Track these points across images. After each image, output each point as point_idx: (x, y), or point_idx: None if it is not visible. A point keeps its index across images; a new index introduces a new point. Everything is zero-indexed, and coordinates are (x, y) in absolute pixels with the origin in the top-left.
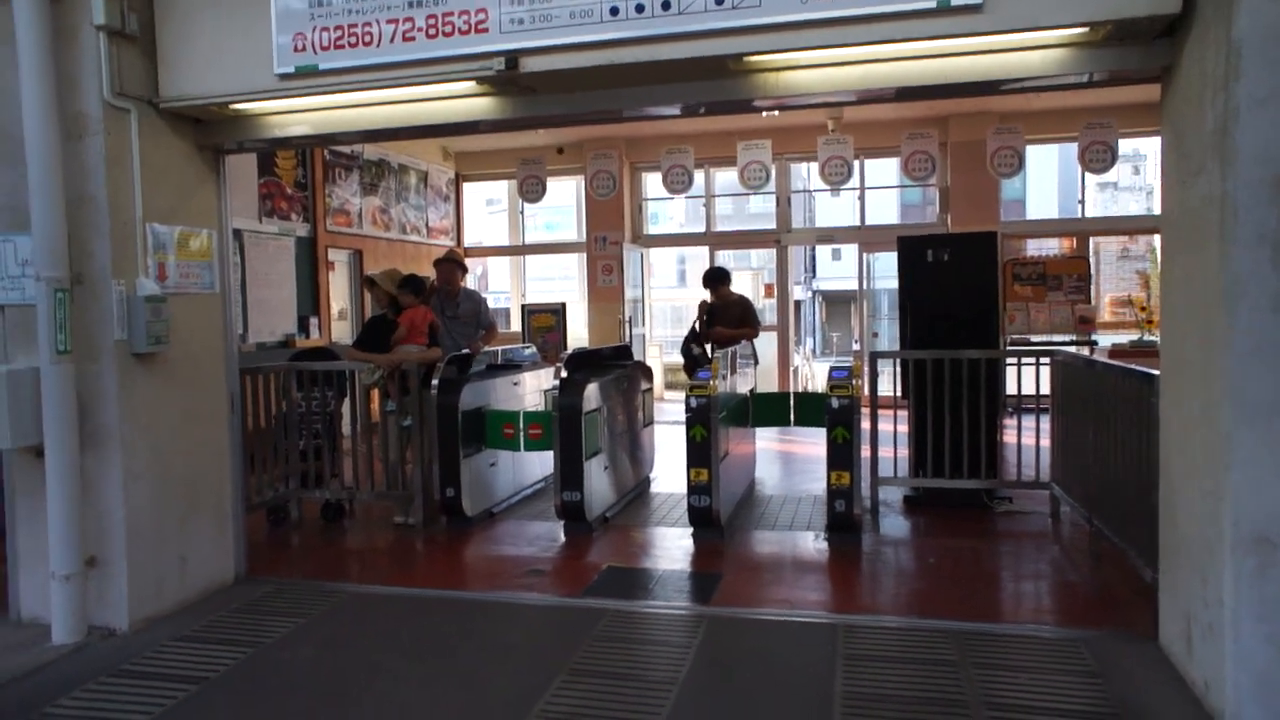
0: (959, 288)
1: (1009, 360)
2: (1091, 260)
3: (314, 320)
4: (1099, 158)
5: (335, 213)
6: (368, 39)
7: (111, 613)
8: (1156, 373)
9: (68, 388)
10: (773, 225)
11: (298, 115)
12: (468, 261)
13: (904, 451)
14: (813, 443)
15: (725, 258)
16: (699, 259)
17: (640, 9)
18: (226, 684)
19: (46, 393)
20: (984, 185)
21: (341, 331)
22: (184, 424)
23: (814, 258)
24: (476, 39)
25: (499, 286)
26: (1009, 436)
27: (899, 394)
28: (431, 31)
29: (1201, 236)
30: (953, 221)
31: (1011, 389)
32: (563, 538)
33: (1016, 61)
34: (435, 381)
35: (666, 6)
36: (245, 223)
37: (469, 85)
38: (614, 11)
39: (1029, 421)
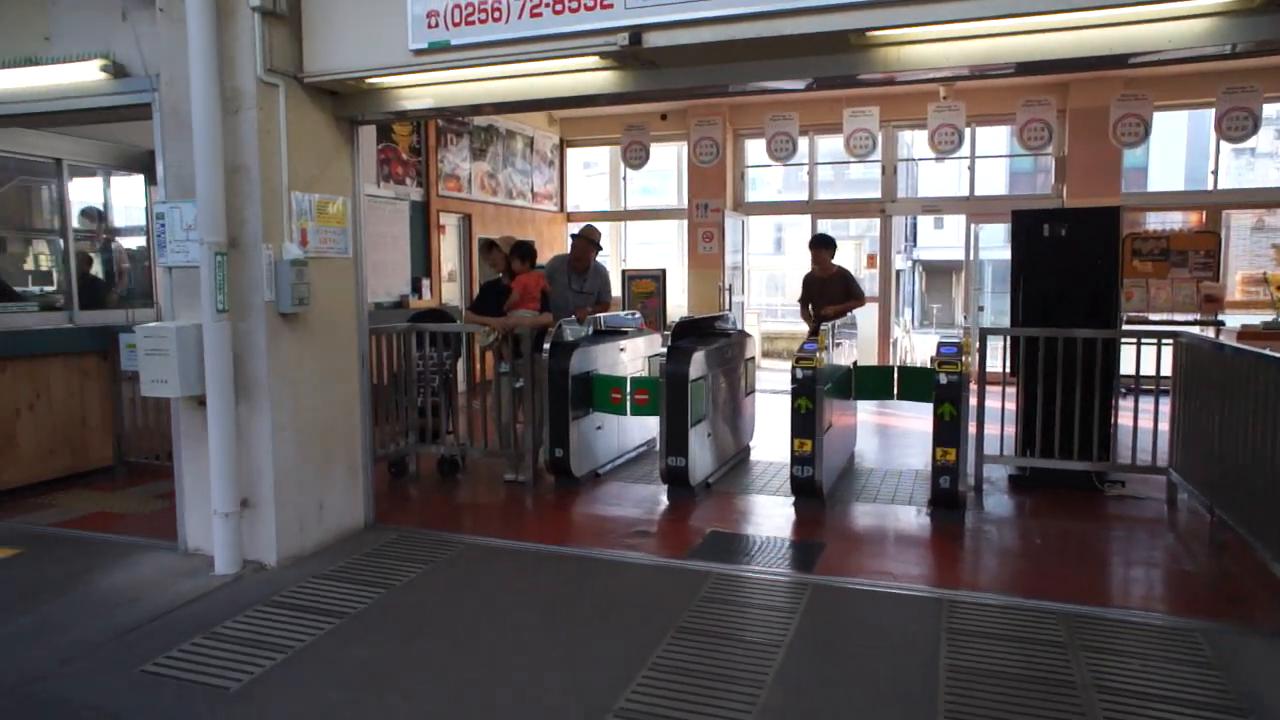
0: (1076, 265)
1: (1126, 340)
2: (1221, 234)
3: (425, 281)
4: (1239, 125)
5: (446, 178)
6: (497, 15)
7: (262, 549)
8: None
9: (226, 343)
10: (875, 194)
11: (426, 89)
12: (571, 225)
13: (1011, 429)
14: (912, 416)
15: (823, 226)
16: (796, 226)
17: None
18: (365, 620)
19: (208, 347)
20: (1105, 155)
21: (451, 293)
22: (321, 380)
23: (915, 226)
24: (602, 14)
25: None
26: (1124, 418)
27: (1007, 371)
28: (558, 7)
29: None
30: (1069, 193)
31: (1128, 369)
32: (666, 501)
33: (1154, 33)
34: (547, 345)
35: None
36: (364, 187)
37: (592, 60)
38: None
39: (1145, 404)
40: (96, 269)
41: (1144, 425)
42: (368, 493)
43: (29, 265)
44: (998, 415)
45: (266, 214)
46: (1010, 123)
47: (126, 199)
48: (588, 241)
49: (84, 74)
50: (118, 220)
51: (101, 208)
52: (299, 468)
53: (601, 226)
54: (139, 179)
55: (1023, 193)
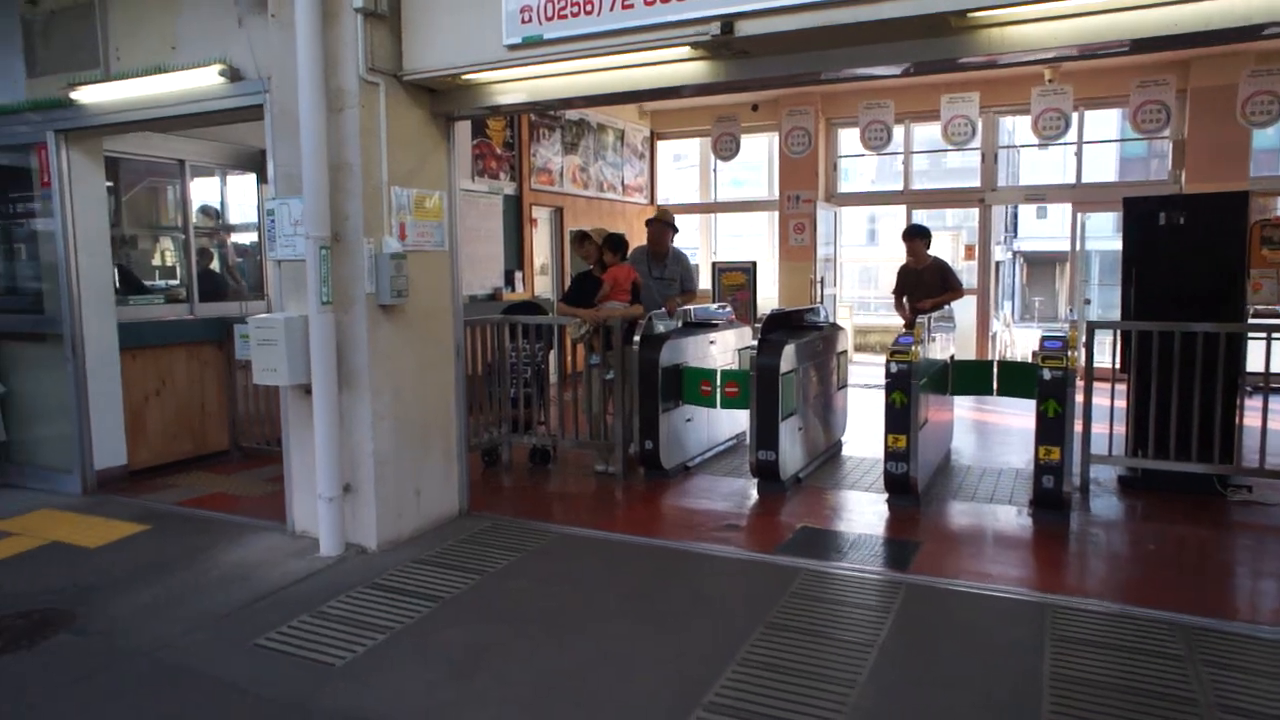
0: (1195, 255)
1: (1255, 335)
2: None
3: (518, 274)
4: None
5: (539, 172)
6: (589, 8)
7: (363, 533)
8: None
9: (330, 334)
10: (974, 182)
11: (520, 83)
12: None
13: (1120, 428)
14: (1012, 413)
15: (919, 216)
16: (891, 217)
17: None
18: (461, 604)
19: (314, 338)
20: (1230, 137)
21: (543, 285)
22: (418, 370)
23: (1016, 216)
24: (693, 4)
25: (684, 242)
26: (1250, 419)
27: (1117, 367)
28: None
29: None
30: (1188, 179)
31: (1256, 366)
32: (756, 495)
33: None
34: (637, 337)
35: None
36: (459, 182)
37: (683, 50)
38: None
39: (1276, 404)
40: (215, 264)
41: (1274, 427)
42: (462, 481)
43: (155, 261)
44: (1106, 414)
45: (367, 209)
46: (1122, 105)
47: (240, 197)
48: (663, 224)
49: (204, 79)
50: (232, 217)
51: (219, 205)
52: (397, 455)
53: (691, 219)
54: (251, 177)
55: (1134, 179)
